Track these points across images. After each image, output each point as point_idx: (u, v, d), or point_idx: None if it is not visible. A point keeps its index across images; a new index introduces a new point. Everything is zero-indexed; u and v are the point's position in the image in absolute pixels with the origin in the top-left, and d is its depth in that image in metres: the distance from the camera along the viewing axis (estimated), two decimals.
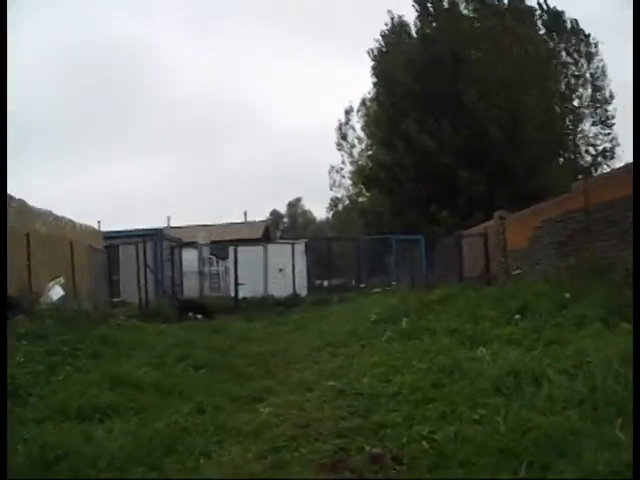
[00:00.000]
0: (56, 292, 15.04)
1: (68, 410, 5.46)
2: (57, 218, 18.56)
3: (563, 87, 37.26)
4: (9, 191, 14.87)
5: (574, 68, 37.87)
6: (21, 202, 15.86)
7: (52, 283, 15.40)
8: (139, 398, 6.19)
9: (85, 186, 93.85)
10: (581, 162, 37.26)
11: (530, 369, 5.77)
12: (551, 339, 7.35)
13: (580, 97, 38.18)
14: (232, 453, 4.43)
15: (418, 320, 10.38)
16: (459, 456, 3.97)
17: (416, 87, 31.20)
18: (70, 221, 19.65)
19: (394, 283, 24.19)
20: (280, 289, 23.53)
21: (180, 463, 4.11)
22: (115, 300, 22.24)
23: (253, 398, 6.70)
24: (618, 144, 36.91)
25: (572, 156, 37.17)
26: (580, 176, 27.99)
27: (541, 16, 37.13)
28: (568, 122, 37.11)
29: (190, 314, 19.16)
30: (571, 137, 37.22)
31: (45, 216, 17.68)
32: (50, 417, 5.17)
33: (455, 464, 3.88)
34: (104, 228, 25.98)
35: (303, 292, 24.27)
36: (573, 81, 37.95)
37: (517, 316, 9.10)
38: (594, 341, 6.61)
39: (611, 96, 37.25)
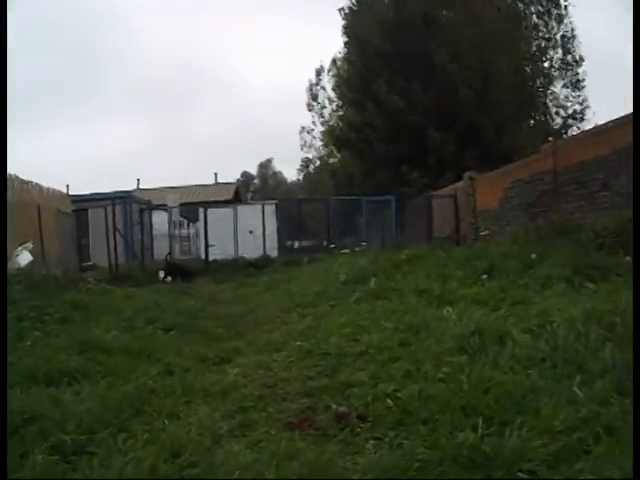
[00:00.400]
0: (24, 257, 14.85)
1: (36, 375, 5.45)
2: (23, 182, 18.23)
3: (534, 49, 37.14)
4: None
5: (544, 30, 37.69)
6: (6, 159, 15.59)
7: (20, 248, 15.19)
8: (107, 362, 6.19)
9: (52, 150, 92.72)
10: (551, 124, 37.31)
11: (495, 328, 5.87)
12: (516, 299, 7.46)
13: (551, 59, 38.08)
14: (200, 413, 4.48)
15: (387, 280, 10.46)
16: (422, 413, 4.06)
17: (387, 47, 30.97)
18: (37, 185, 19.32)
19: (364, 244, 24.24)
20: (251, 251, 23.55)
21: (148, 424, 4.14)
22: (85, 264, 22.03)
23: (221, 359, 6.76)
24: (588, 106, 36.95)
25: (542, 118, 37.21)
26: (550, 138, 28.06)
27: None
28: (539, 84, 37.08)
29: (167, 277, 19.50)
30: (542, 99, 37.22)
31: (10, 180, 17.38)
32: (18, 383, 5.14)
33: (418, 421, 3.96)
34: (73, 192, 25.58)
35: (273, 253, 24.31)
36: (543, 43, 37.80)
37: (484, 276, 9.19)
38: (558, 301, 6.72)
39: (581, 58, 37.17)
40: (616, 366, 4.21)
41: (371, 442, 3.78)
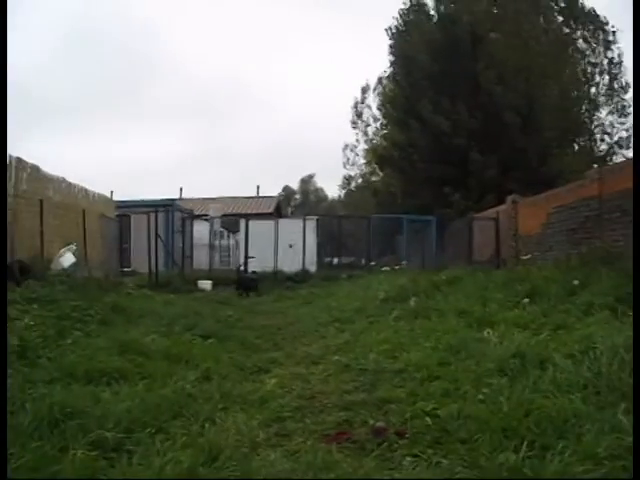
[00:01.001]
0: (67, 259, 15.07)
1: (76, 373, 5.52)
2: (70, 185, 18.56)
3: (580, 74, 36.79)
4: (23, 157, 14.98)
5: (591, 55, 37.36)
6: (34, 167, 15.86)
7: (64, 249, 15.43)
8: (146, 364, 6.23)
9: (98, 158, 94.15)
10: (596, 150, 36.86)
11: (536, 352, 5.79)
12: (558, 324, 7.36)
13: (597, 85, 37.68)
14: (237, 420, 4.48)
15: (426, 300, 10.42)
16: (461, 433, 4.01)
17: (434, 67, 30.92)
18: (83, 189, 19.65)
19: (404, 263, 24.19)
20: (290, 264, 23.59)
21: (185, 427, 4.16)
22: (126, 270, 22.30)
23: (259, 369, 6.77)
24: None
25: (587, 144, 36.81)
26: (595, 164, 27.72)
27: (557, 2, 36.61)
28: (584, 110, 36.69)
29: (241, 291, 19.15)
30: (587, 125, 36.82)
31: (58, 182, 17.68)
32: (58, 379, 5.22)
33: (457, 440, 3.91)
34: (116, 199, 25.92)
35: (312, 268, 24.33)
36: (590, 68, 37.45)
37: (525, 300, 9.09)
38: (601, 328, 6.59)
39: (627, 85, 36.70)
40: None
41: (408, 459, 3.74)
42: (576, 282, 9.57)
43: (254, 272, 21.09)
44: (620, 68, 36.91)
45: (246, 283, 19.51)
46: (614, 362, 5.01)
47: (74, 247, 15.90)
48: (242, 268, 22.03)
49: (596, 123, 37.50)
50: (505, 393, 4.65)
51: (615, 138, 37.10)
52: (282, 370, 6.70)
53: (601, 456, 3.36)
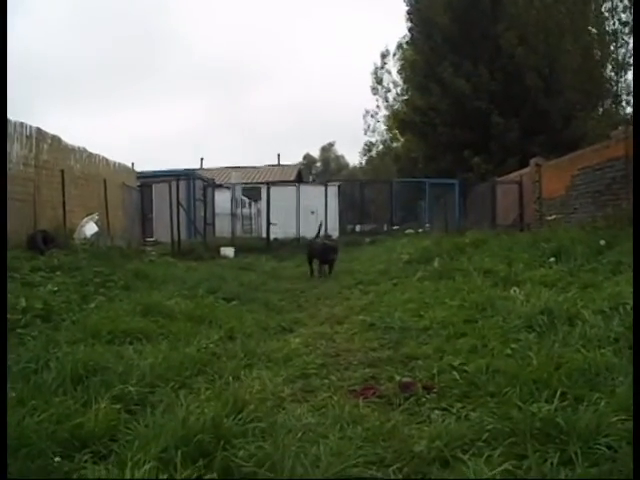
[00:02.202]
0: (90, 228, 15.14)
1: (100, 334, 5.50)
2: (91, 155, 18.56)
3: (607, 34, 35.75)
4: (43, 128, 14.98)
5: (623, 14, 36.24)
6: (55, 138, 15.86)
7: (86, 219, 15.49)
8: (170, 325, 6.21)
9: (119, 129, 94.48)
10: (622, 114, 35.99)
11: (564, 309, 5.71)
12: (586, 282, 7.28)
13: (627, 45, 36.56)
14: (261, 377, 4.44)
15: (450, 261, 10.34)
16: (490, 387, 3.93)
17: (453, 30, 30.48)
18: (104, 158, 19.66)
19: (427, 226, 24.06)
20: (312, 231, 23.46)
21: (209, 383, 4.12)
22: (148, 240, 22.34)
23: (283, 328, 6.73)
24: None
25: (613, 107, 35.99)
26: (620, 127, 27.22)
27: None
28: (610, 71, 35.81)
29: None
30: (612, 87, 35.97)
31: (79, 153, 17.69)
32: (82, 339, 5.21)
33: (486, 394, 3.84)
34: (138, 169, 25.90)
35: (334, 234, 24.18)
36: (619, 28, 36.35)
37: (551, 259, 8.99)
38: (631, 286, 6.47)
39: None
40: None
41: (437, 412, 3.66)
42: (602, 242, 9.45)
43: (329, 238, 15.06)
44: None
45: (323, 254, 13.31)
46: None
47: (96, 217, 15.95)
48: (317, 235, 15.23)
49: (623, 85, 36.64)
50: (534, 348, 4.58)
51: None
52: (306, 330, 6.66)
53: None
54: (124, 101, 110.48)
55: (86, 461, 2.88)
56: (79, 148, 17.64)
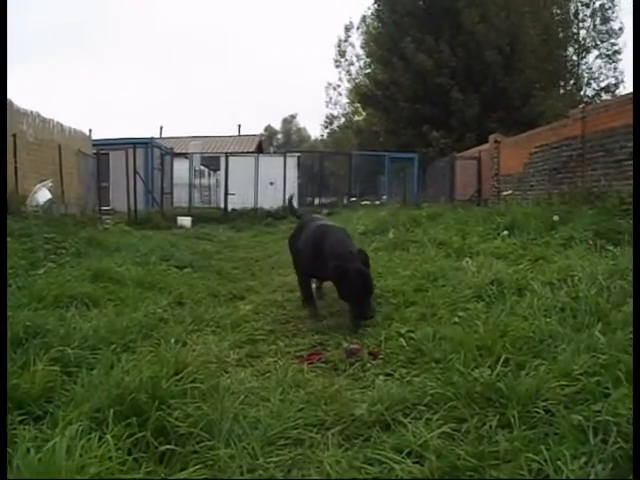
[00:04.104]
0: (43, 195, 14.83)
1: (45, 298, 5.39)
2: (45, 120, 18.15)
3: (569, 15, 35.76)
4: None
5: None
6: (6, 101, 15.49)
7: (39, 185, 15.17)
8: (119, 291, 6.13)
9: (75, 95, 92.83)
10: (582, 95, 36.10)
11: (514, 280, 5.78)
12: (537, 255, 7.37)
13: (587, 28, 36.54)
14: (207, 341, 4.40)
15: (406, 233, 10.36)
16: (435, 353, 3.95)
17: (417, 5, 30.52)
18: (59, 124, 19.24)
19: (384, 197, 24.11)
20: (270, 202, 23.41)
21: (153, 347, 4.06)
22: (105, 208, 22.00)
23: (234, 296, 6.69)
24: (622, 81, 35.58)
25: (573, 88, 36.18)
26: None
27: None
28: (572, 52, 35.94)
29: None
30: (573, 68, 36.14)
31: (32, 117, 17.29)
32: (26, 304, 5.09)
33: (431, 360, 3.86)
34: (95, 137, 25.41)
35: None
36: (580, 10, 36.32)
37: (505, 232, 9.08)
38: (580, 260, 6.55)
39: (621, 29, 35.29)
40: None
41: (381, 377, 3.68)
42: (556, 218, 9.56)
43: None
44: (612, 11, 35.65)
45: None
46: (592, 288, 4.97)
47: (50, 183, 15.63)
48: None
49: (584, 67, 36.79)
50: (481, 317, 4.61)
51: (602, 84, 36.42)
52: (257, 297, 6.62)
53: (576, 373, 3.30)
54: (79, 67, 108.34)
55: (19, 422, 2.82)
56: (32, 112, 17.22)
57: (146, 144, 25.72)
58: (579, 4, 36.11)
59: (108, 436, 2.52)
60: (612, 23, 35.76)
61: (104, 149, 23.59)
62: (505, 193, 17.59)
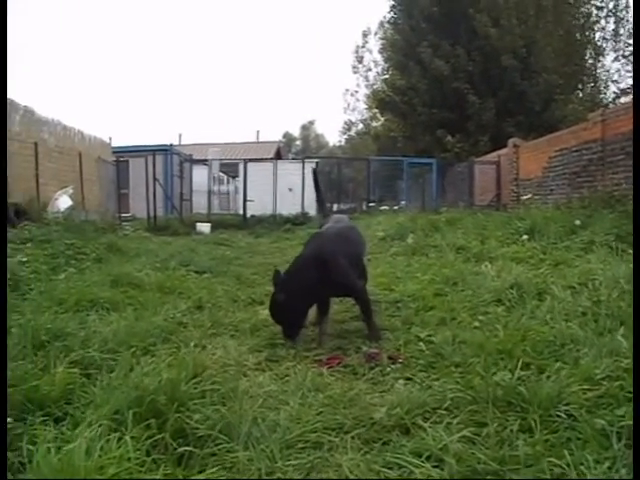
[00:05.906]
0: (64, 201, 14.95)
1: (66, 302, 5.46)
2: (66, 128, 18.34)
3: (583, 18, 35.57)
4: (14, 98, 14.71)
5: None
6: (28, 110, 15.63)
7: (60, 192, 15.30)
8: (138, 296, 6.16)
9: (96, 103, 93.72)
10: (602, 98, 35.89)
11: (534, 284, 5.77)
12: (557, 260, 7.34)
13: (602, 29, 36.38)
14: (227, 346, 4.40)
15: (425, 238, 10.35)
16: (455, 357, 3.93)
17: (434, 10, 30.41)
18: (79, 132, 19.43)
19: (403, 202, 24.06)
20: (289, 208, 23.43)
21: (173, 350, 4.07)
22: (124, 215, 22.13)
23: (253, 300, 6.69)
24: None
25: (593, 91, 35.91)
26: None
27: None
28: (588, 55, 35.72)
29: None
30: (592, 71, 35.91)
31: (53, 125, 17.46)
32: (47, 308, 5.15)
33: (451, 364, 3.84)
34: (115, 144, 25.58)
35: (312, 211, 24.12)
36: (595, 12, 36.14)
37: (525, 237, 9.04)
38: (601, 264, 6.51)
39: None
40: None
41: (401, 381, 3.65)
42: (577, 222, 9.51)
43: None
44: (627, 12, 35.57)
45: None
46: (614, 292, 4.94)
47: (70, 190, 15.76)
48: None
49: (602, 70, 36.56)
50: (502, 321, 4.59)
51: (622, 85, 36.19)
52: None
53: (598, 377, 3.27)
54: (100, 75, 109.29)
55: (41, 423, 2.83)
56: (53, 120, 17.41)
57: (165, 151, 25.81)
58: (593, 7, 35.87)
59: (127, 437, 2.53)
60: (627, 24, 35.57)
61: (124, 156, 23.76)
62: (524, 197, 17.50)
